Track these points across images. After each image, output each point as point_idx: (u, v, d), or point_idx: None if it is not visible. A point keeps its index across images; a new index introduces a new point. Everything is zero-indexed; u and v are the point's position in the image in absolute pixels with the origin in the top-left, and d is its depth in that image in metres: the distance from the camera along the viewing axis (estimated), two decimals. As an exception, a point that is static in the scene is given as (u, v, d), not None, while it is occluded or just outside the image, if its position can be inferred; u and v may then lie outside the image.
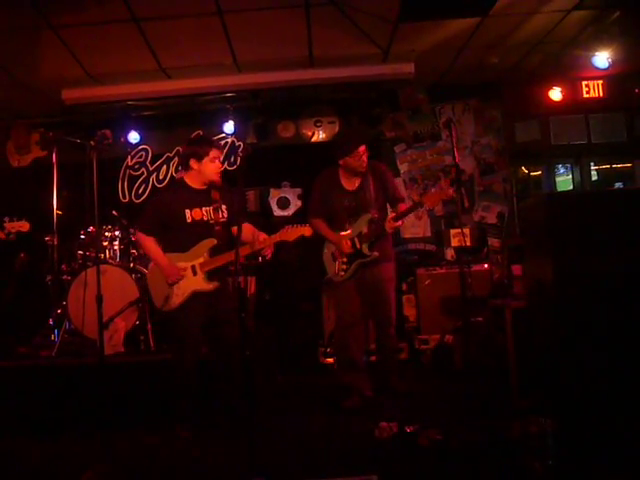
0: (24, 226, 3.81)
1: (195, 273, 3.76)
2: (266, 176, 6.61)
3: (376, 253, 4.20)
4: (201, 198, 3.82)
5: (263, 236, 3.79)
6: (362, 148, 4.17)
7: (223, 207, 3.86)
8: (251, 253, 3.80)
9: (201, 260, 3.77)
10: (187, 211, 3.76)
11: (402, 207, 4.27)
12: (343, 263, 4.26)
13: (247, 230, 3.81)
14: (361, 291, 4.30)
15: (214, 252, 3.78)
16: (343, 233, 4.27)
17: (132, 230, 5.38)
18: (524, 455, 2.91)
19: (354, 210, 4.27)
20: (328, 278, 4.41)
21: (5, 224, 3.70)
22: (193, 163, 3.80)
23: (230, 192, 3.94)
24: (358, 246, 4.21)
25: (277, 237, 3.74)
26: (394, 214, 4.21)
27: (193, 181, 3.85)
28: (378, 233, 4.20)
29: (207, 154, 3.77)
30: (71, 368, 4.34)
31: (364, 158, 4.19)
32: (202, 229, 3.79)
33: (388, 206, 4.44)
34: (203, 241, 3.78)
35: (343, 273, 4.27)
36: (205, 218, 3.80)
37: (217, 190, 3.86)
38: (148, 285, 4.01)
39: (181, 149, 6.32)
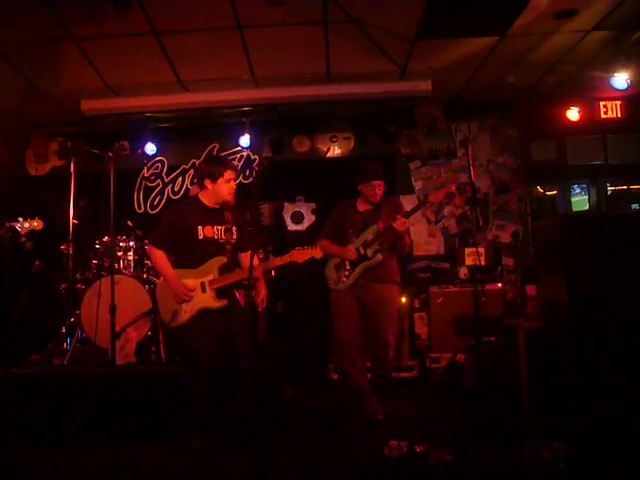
0: (38, 225, 3.83)
1: (204, 290, 3.76)
2: (280, 190, 6.61)
3: (379, 256, 4.22)
4: (214, 216, 3.84)
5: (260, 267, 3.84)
6: (376, 182, 4.30)
7: (234, 229, 3.88)
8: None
9: (211, 277, 3.77)
10: (199, 227, 3.77)
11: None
12: (346, 269, 4.31)
13: (245, 260, 3.91)
14: (361, 310, 4.28)
15: (224, 270, 3.79)
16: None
17: (147, 241, 5.42)
18: (535, 478, 2.87)
19: (362, 226, 4.34)
20: (330, 287, 4.42)
21: (16, 223, 3.74)
22: (208, 183, 3.83)
23: (243, 213, 3.96)
24: (362, 252, 4.26)
25: (287, 258, 3.75)
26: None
27: (207, 199, 3.87)
28: (383, 238, 4.22)
29: (222, 175, 3.79)
30: (83, 377, 4.35)
31: (377, 191, 4.32)
32: (213, 247, 3.80)
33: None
34: (213, 258, 3.78)
35: (345, 279, 4.30)
36: (216, 236, 3.81)
37: (230, 211, 3.88)
38: (157, 299, 4.02)
39: (197, 166, 6.43)
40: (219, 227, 3.82)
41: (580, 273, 3.11)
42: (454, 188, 4.36)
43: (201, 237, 3.77)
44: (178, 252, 3.85)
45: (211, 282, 3.76)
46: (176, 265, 3.82)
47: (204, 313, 3.74)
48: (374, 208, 4.37)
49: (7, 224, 3.71)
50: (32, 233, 3.85)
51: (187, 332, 3.77)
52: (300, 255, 3.73)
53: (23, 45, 4.96)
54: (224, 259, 3.78)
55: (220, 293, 3.77)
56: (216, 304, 3.76)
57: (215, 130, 6.84)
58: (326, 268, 4.44)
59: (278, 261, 3.79)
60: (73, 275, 5.41)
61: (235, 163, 6.83)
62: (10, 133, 6.86)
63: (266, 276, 4.65)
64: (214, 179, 3.80)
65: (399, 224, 4.13)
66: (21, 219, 3.79)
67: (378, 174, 4.34)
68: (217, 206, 3.86)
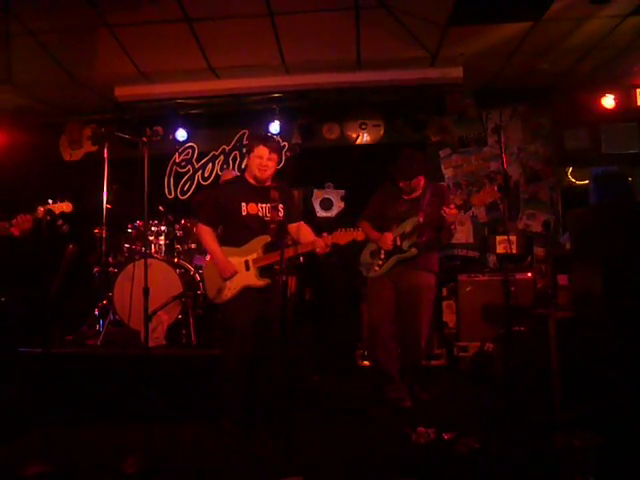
0: (67, 207, 3.87)
1: (248, 268, 3.80)
2: (310, 177, 6.62)
3: (414, 250, 4.19)
4: (258, 194, 3.86)
5: (313, 237, 3.83)
6: (408, 182, 4.25)
7: (280, 206, 3.87)
8: (302, 253, 3.82)
9: (255, 256, 3.80)
10: (243, 204, 3.80)
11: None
12: (380, 259, 4.30)
13: (303, 230, 3.91)
14: (397, 297, 4.28)
15: (268, 249, 3.80)
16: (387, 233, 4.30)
17: (177, 226, 5.50)
18: (566, 469, 2.85)
19: (405, 215, 4.30)
20: (361, 271, 4.45)
21: (46, 206, 3.77)
22: (246, 156, 3.94)
23: (289, 191, 3.97)
24: (398, 243, 4.24)
25: (329, 239, 3.69)
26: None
27: (250, 177, 3.92)
28: (422, 230, 4.19)
29: (252, 150, 3.84)
30: (115, 358, 4.46)
31: (413, 187, 4.29)
32: (257, 224, 3.81)
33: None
34: (258, 237, 3.80)
35: (378, 268, 4.30)
36: (260, 214, 3.83)
37: (277, 189, 3.88)
38: (204, 276, 4.07)
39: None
40: (263, 205, 3.84)
41: (616, 262, 3.07)
42: (499, 195, 4.22)
43: (244, 214, 3.80)
44: (223, 229, 3.90)
45: (255, 261, 3.79)
46: (221, 242, 3.86)
47: (247, 291, 3.78)
48: (417, 197, 4.32)
49: (41, 208, 3.75)
50: (62, 215, 3.87)
51: (229, 308, 3.82)
52: (343, 237, 3.68)
53: (59, 33, 5.05)
54: (268, 238, 3.79)
55: (263, 272, 3.80)
56: (259, 283, 3.79)
57: (245, 117, 6.86)
58: (362, 252, 4.44)
59: (320, 241, 3.73)
60: (106, 258, 5.52)
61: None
62: (45, 119, 6.99)
63: (294, 262, 4.69)
64: (248, 153, 3.88)
65: (450, 215, 4.03)
66: (51, 201, 3.82)
67: (411, 173, 4.23)
68: (259, 182, 3.89)
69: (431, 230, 4.21)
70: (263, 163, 3.82)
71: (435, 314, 5.82)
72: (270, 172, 3.86)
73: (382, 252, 4.29)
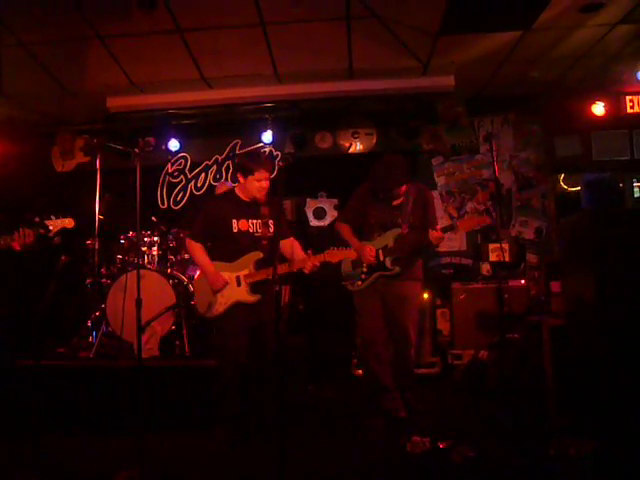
0: (70, 223, 3.88)
1: (239, 284, 3.83)
2: (303, 186, 6.63)
3: (397, 268, 4.15)
4: (249, 210, 3.89)
5: (302, 255, 3.85)
6: (397, 189, 4.16)
7: (270, 222, 3.90)
8: (291, 271, 3.82)
9: (246, 272, 3.83)
10: (234, 221, 3.84)
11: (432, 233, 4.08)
12: (362, 272, 4.24)
13: (289, 246, 3.92)
14: (384, 306, 4.25)
15: (259, 265, 3.83)
16: (368, 243, 4.23)
17: (170, 236, 5.48)
18: (560, 477, 2.85)
19: (387, 224, 4.23)
20: (344, 284, 4.37)
21: (49, 221, 3.77)
22: (240, 176, 3.90)
23: (278, 206, 3.96)
24: (381, 258, 4.17)
25: (322, 258, 3.73)
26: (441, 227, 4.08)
27: (242, 193, 3.93)
28: (405, 249, 4.14)
29: (252, 173, 3.82)
30: (108, 369, 4.43)
31: (394, 194, 4.19)
32: (247, 240, 3.85)
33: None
34: (249, 253, 3.83)
35: (360, 282, 4.25)
36: (251, 230, 3.87)
37: (267, 205, 3.91)
38: (194, 291, 4.10)
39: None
40: (254, 221, 3.88)
41: (607, 269, 3.08)
42: (489, 220, 4.20)
43: (235, 230, 3.83)
44: (214, 245, 3.92)
45: (246, 276, 3.82)
46: (212, 258, 3.89)
47: (238, 306, 3.81)
48: (400, 203, 4.24)
49: (37, 219, 3.74)
50: (63, 231, 3.87)
51: (221, 324, 3.85)
52: (335, 255, 3.74)
53: (51, 45, 5.04)
54: (260, 254, 3.83)
55: (254, 288, 3.82)
56: (250, 298, 3.82)
57: (238, 126, 6.88)
58: (343, 261, 4.26)
59: (312, 259, 3.76)
60: (98, 270, 5.50)
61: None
62: (37, 130, 6.97)
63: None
64: (245, 175, 3.85)
65: (435, 238, 4.02)
66: (53, 217, 3.83)
67: (389, 183, 4.12)
68: (252, 200, 3.90)
69: (414, 242, 4.14)
70: (263, 185, 3.86)
71: (429, 322, 5.84)
72: (266, 191, 3.90)
73: (364, 265, 4.22)
